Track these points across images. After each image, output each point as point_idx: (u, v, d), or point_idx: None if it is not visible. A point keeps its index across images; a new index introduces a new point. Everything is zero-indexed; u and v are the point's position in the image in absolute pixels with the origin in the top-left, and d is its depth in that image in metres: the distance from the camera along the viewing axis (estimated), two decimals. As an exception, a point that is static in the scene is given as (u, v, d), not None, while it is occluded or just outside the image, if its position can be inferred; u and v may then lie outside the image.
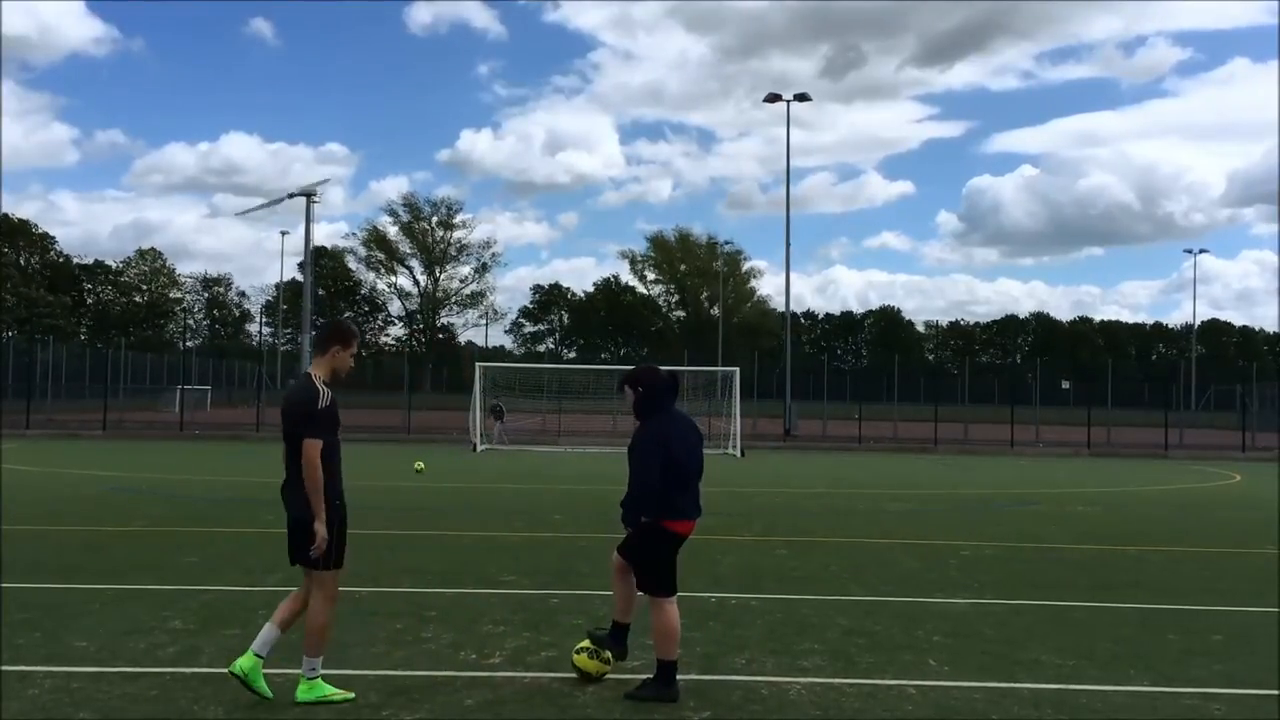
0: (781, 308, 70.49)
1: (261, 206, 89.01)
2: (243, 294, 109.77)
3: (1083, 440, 37.47)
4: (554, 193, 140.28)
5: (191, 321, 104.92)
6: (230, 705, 5.49)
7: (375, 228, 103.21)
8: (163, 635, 6.95)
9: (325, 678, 5.78)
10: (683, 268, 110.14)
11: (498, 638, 7.09)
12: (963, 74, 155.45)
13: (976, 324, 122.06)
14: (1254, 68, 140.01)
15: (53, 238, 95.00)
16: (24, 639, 6.75)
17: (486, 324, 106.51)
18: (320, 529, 5.54)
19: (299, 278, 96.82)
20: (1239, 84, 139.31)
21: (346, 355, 5.76)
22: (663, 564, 5.97)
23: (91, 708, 5.45)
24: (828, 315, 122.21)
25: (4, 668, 6.02)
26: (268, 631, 5.65)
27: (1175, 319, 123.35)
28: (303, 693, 5.59)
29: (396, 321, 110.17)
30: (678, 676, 5.85)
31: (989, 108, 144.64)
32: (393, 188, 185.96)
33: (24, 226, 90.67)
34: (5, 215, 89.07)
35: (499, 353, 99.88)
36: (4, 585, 8.38)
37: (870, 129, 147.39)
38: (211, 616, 7.49)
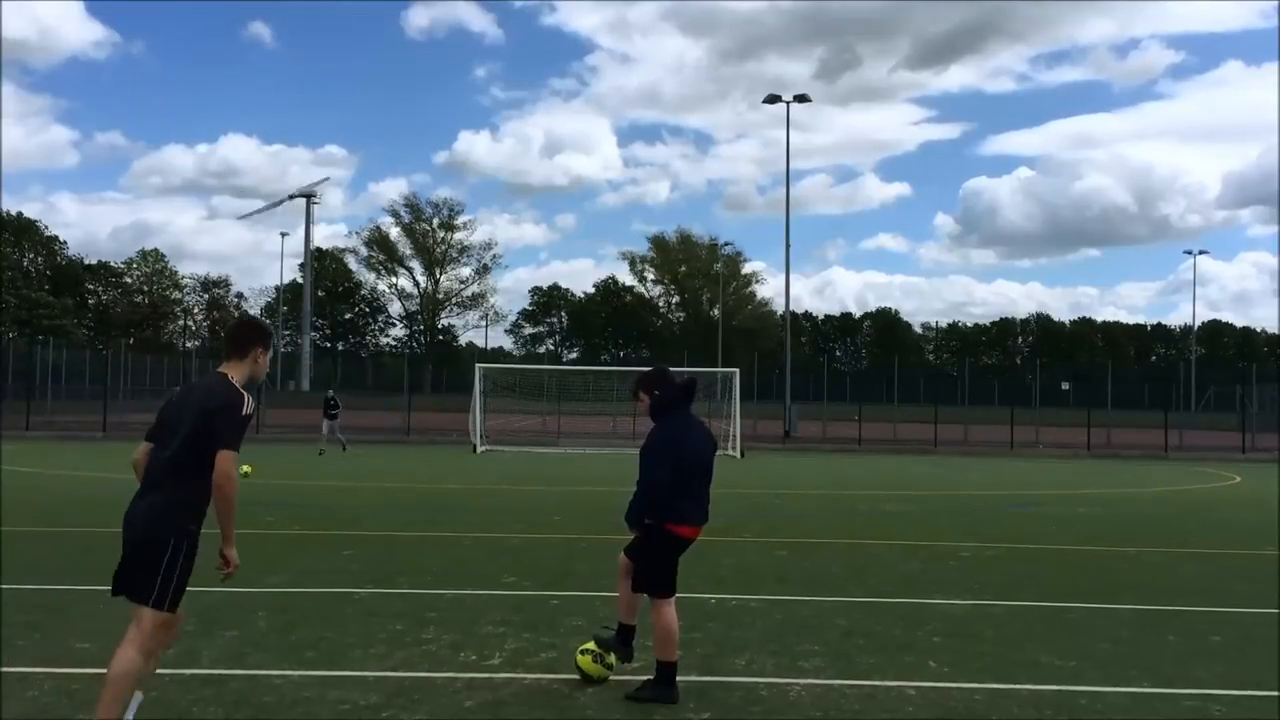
0: (780, 309, 70.47)
1: (263, 209, 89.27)
2: (241, 296, 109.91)
3: (1083, 441, 37.46)
4: (552, 194, 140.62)
5: (191, 323, 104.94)
6: (230, 706, 5.49)
7: (377, 228, 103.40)
8: (163, 636, 6.94)
9: (329, 678, 5.79)
10: (683, 269, 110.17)
11: (498, 638, 7.09)
12: (957, 76, 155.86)
13: (976, 325, 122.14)
14: (1247, 70, 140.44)
15: (61, 240, 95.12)
16: (24, 640, 6.74)
17: (486, 325, 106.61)
18: (232, 554, 4.73)
19: (299, 279, 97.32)
20: (1232, 86, 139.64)
21: (266, 360, 4.97)
22: (665, 566, 5.95)
23: (91, 709, 5.44)
24: (827, 316, 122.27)
25: (4, 669, 6.02)
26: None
27: (1173, 320, 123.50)
28: None
29: (397, 323, 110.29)
30: (678, 677, 5.85)
31: (985, 110, 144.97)
32: (391, 190, 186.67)
33: (31, 225, 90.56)
34: (18, 214, 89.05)
35: (499, 354, 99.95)
36: (4, 586, 8.38)
37: (867, 131, 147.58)
38: (211, 618, 7.48)
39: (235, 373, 4.83)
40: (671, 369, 6.50)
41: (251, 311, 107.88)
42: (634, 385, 6.26)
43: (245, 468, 19.93)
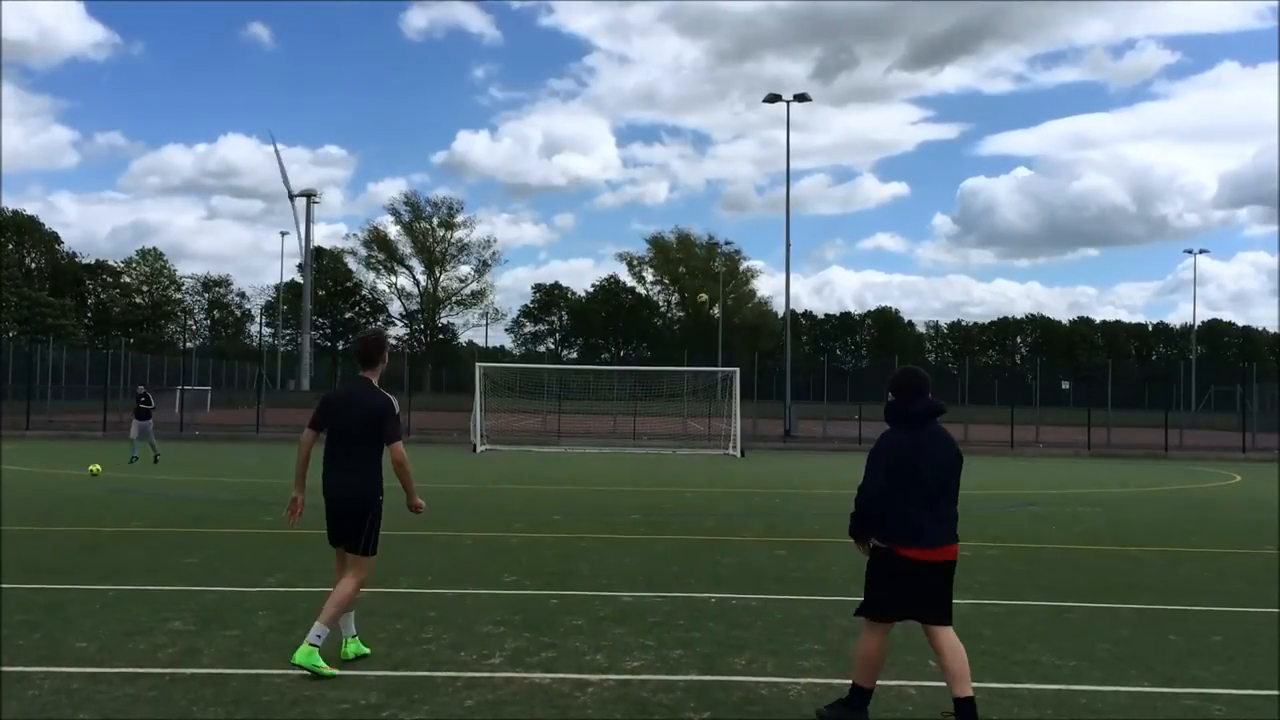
0: (779, 308, 70.48)
1: (280, 162, 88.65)
2: (243, 295, 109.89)
3: (1083, 441, 37.46)
4: (551, 194, 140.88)
5: (192, 322, 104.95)
6: (231, 706, 5.49)
7: (376, 227, 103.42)
8: (163, 636, 6.94)
9: (327, 678, 5.82)
10: (682, 269, 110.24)
11: (498, 638, 7.09)
12: (954, 77, 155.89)
13: (976, 324, 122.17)
14: (1243, 71, 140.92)
15: (58, 236, 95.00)
16: (24, 639, 6.74)
17: (486, 324, 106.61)
18: (418, 501, 6.48)
19: (298, 279, 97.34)
20: (1227, 87, 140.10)
21: (386, 357, 6.67)
22: (879, 585, 5.47)
23: (91, 709, 5.45)
24: (827, 316, 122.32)
25: (4, 668, 6.02)
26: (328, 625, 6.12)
27: (1171, 320, 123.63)
28: (302, 657, 5.97)
29: (397, 321, 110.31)
30: (678, 677, 5.83)
31: (982, 110, 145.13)
32: (390, 189, 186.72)
33: (31, 223, 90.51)
34: (15, 212, 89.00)
35: (499, 353, 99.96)
36: (4, 585, 8.38)
37: (864, 131, 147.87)
38: (211, 617, 7.49)
39: (375, 378, 6.45)
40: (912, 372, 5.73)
41: (252, 311, 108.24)
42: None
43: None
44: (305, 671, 5.93)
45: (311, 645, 5.97)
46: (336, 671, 6.05)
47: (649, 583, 9.28)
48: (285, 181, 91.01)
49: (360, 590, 6.36)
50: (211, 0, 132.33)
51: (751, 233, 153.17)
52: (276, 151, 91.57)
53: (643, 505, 16.01)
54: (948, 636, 5.38)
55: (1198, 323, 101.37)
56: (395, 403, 6.33)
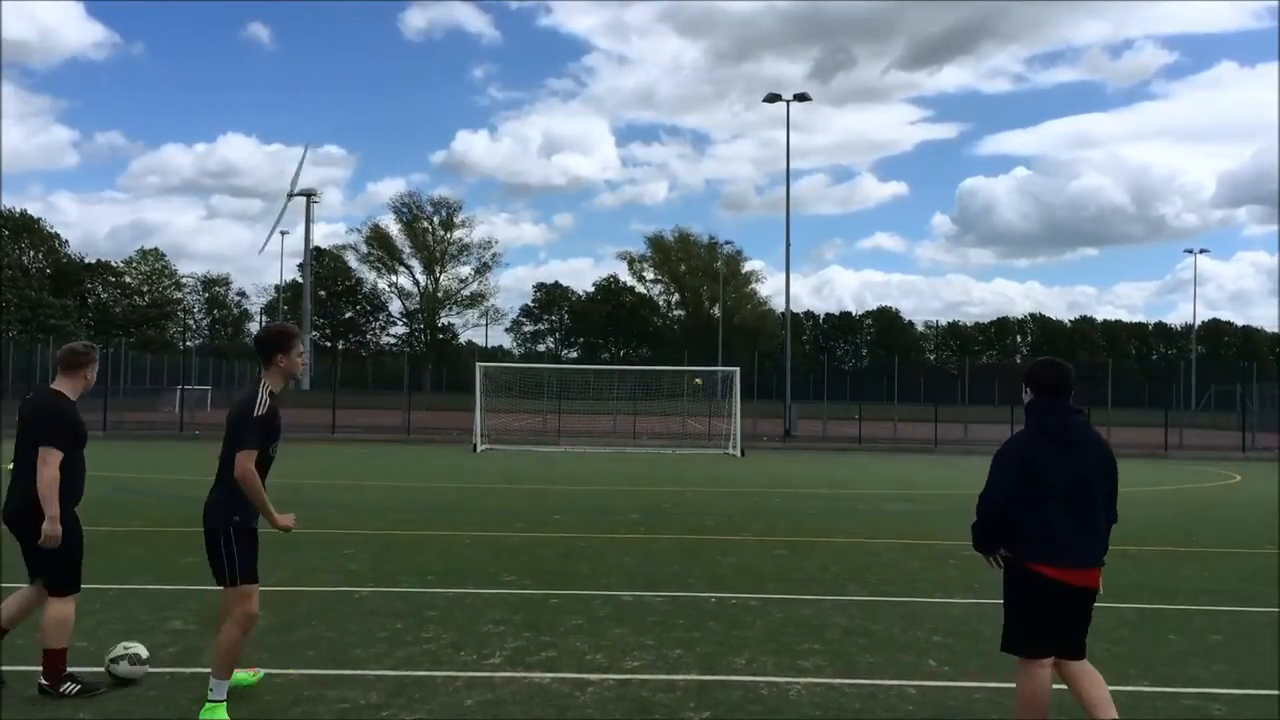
0: (779, 308, 70.54)
1: (274, 225, 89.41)
2: (243, 294, 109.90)
3: (1083, 440, 37.43)
4: (550, 194, 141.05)
5: (192, 322, 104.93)
6: (231, 705, 5.48)
7: (377, 225, 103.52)
8: (163, 635, 6.95)
9: (329, 677, 5.81)
10: (682, 268, 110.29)
11: (498, 638, 7.09)
12: (953, 77, 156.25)
13: (976, 324, 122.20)
14: (1241, 71, 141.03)
15: (62, 238, 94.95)
16: (24, 639, 6.73)
17: (486, 324, 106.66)
18: (277, 522, 5.33)
19: (299, 278, 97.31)
20: (1226, 87, 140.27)
21: (292, 359, 5.61)
22: (1023, 615, 4.84)
23: (91, 708, 5.46)
24: (827, 315, 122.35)
25: (4, 668, 6.01)
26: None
27: (1171, 320, 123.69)
28: (206, 715, 5.18)
29: (397, 321, 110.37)
30: (677, 677, 5.82)
31: (981, 110, 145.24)
32: (390, 189, 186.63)
33: (33, 224, 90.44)
34: (22, 211, 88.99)
35: (499, 352, 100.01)
36: (4, 585, 8.37)
37: (863, 131, 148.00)
38: (211, 617, 7.44)
39: (268, 379, 5.49)
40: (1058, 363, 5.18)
41: (252, 310, 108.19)
42: None
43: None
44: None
45: (212, 702, 5.19)
46: None
47: (649, 582, 9.28)
48: (294, 180, 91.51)
49: (248, 630, 5.41)
50: (211, 0, 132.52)
51: (751, 233, 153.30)
52: (303, 158, 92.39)
53: (643, 505, 16.01)
54: (1084, 667, 4.94)
55: (1198, 322, 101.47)
56: (257, 402, 5.32)
